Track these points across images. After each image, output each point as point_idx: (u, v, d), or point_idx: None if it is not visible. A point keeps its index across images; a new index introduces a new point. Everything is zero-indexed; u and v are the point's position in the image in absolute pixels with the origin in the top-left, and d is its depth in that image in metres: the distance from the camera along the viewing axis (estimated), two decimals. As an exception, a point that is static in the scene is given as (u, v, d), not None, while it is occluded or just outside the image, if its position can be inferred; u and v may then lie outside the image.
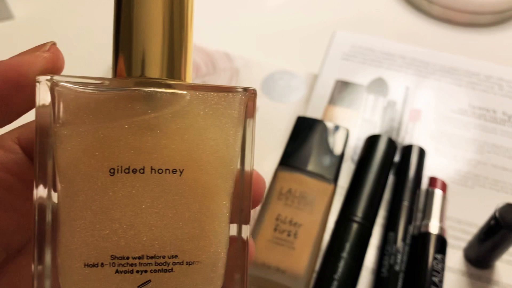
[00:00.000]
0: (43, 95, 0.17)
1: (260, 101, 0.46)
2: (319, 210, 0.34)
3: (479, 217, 0.37)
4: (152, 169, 0.18)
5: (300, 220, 0.34)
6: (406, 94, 0.47)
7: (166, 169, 0.18)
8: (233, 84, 0.48)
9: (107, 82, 0.18)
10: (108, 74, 0.46)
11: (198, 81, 0.48)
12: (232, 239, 0.20)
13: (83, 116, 0.17)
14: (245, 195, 0.20)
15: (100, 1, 0.57)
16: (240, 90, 0.19)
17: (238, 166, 0.20)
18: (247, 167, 0.20)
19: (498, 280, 0.35)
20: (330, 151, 0.37)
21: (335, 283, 0.32)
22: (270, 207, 0.34)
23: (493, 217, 0.32)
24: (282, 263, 0.32)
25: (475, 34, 0.56)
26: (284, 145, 0.38)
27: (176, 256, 0.18)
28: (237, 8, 0.59)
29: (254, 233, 0.34)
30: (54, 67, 0.19)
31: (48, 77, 0.17)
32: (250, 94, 0.19)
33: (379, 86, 0.47)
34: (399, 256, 0.34)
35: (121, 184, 0.18)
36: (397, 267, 0.34)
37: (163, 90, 0.18)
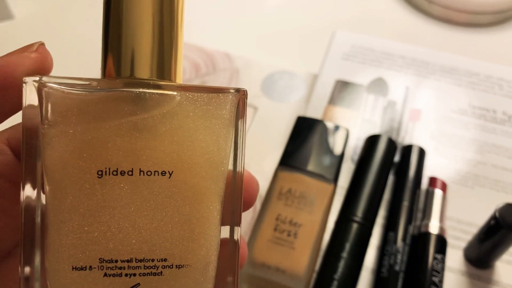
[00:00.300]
0: (30, 96, 0.17)
1: (260, 101, 0.46)
2: (319, 210, 0.34)
3: (479, 217, 0.37)
4: (140, 171, 0.18)
5: (300, 220, 0.33)
6: (406, 94, 0.47)
7: (155, 171, 0.18)
8: (233, 84, 0.47)
9: (95, 83, 0.17)
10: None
11: (198, 81, 0.48)
12: (224, 241, 0.20)
13: (71, 117, 0.17)
14: (236, 197, 0.20)
15: (102, 1, 0.57)
16: (230, 91, 0.19)
17: (229, 168, 0.19)
18: (238, 169, 0.20)
19: (498, 280, 0.35)
20: (330, 151, 0.37)
21: (335, 283, 0.32)
22: (270, 207, 0.34)
23: (493, 217, 0.32)
24: (282, 263, 0.32)
25: (475, 34, 0.56)
26: (284, 145, 0.38)
27: (165, 259, 0.18)
28: (237, 8, 0.59)
29: (254, 233, 0.34)
30: (42, 67, 0.18)
31: (35, 78, 0.17)
32: (240, 95, 0.19)
33: (379, 86, 0.47)
34: (399, 256, 0.34)
35: (109, 186, 0.17)
36: (397, 267, 0.34)
37: (152, 90, 0.18)
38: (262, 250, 0.33)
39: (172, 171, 0.18)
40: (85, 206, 0.17)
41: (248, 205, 0.22)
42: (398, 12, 0.59)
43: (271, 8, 0.59)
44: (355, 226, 0.34)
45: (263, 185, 0.40)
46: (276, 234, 0.33)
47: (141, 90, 0.18)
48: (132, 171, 0.17)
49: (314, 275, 0.34)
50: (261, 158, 0.42)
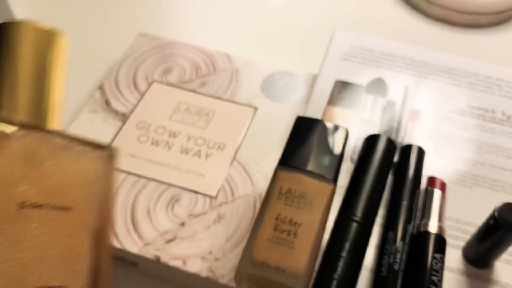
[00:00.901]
0: None
1: (260, 101, 0.46)
2: (319, 210, 0.34)
3: (478, 216, 0.37)
4: (51, 206, 0.18)
5: (300, 220, 0.34)
6: (405, 94, 0.47)
7: (59, 206, 0.19)
8: (233, 84, 0.48)
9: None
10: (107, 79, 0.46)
11: (198, 82, 0.48)
12: None
13: None
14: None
15: (102, 1, 0.57)
16: (101, 147, 0.21)
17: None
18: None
19: (497, 279, 0.35)
20: (329, 151, 0.37)
21: (335, 282, 0.32)
22: (270, 206, 0.34)
23: (492, 217, 0.32)
24: (282, 262, 0.32)
25: (474, 35, 0.56)
26: (283, 145, 0.38)
27: None
28: (237, 8, 0.60)
29: (254, 232, 0.34)
30: None
31: None
32: (110, 153, 0.21)
33: (378, 86, 0.47)
34: (398, 255, 0.34)
35: (22, 219, 0.18)
36: (396, 266, 0.34)
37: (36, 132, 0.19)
38: (262, 250, 0.33)
39: (74, 207, 0.19)
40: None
41: None
42: (398, 13, 0.59)
43: (271, 8, 0.60)
44: (354, 225, 0.34)
45: (263, 185, 0.40)
46: (276, 234, 0.33)
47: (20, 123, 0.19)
48: (42, 205, 0.18)
49: (314, 274, 0.34)
50: (261, 158, 0.42)
